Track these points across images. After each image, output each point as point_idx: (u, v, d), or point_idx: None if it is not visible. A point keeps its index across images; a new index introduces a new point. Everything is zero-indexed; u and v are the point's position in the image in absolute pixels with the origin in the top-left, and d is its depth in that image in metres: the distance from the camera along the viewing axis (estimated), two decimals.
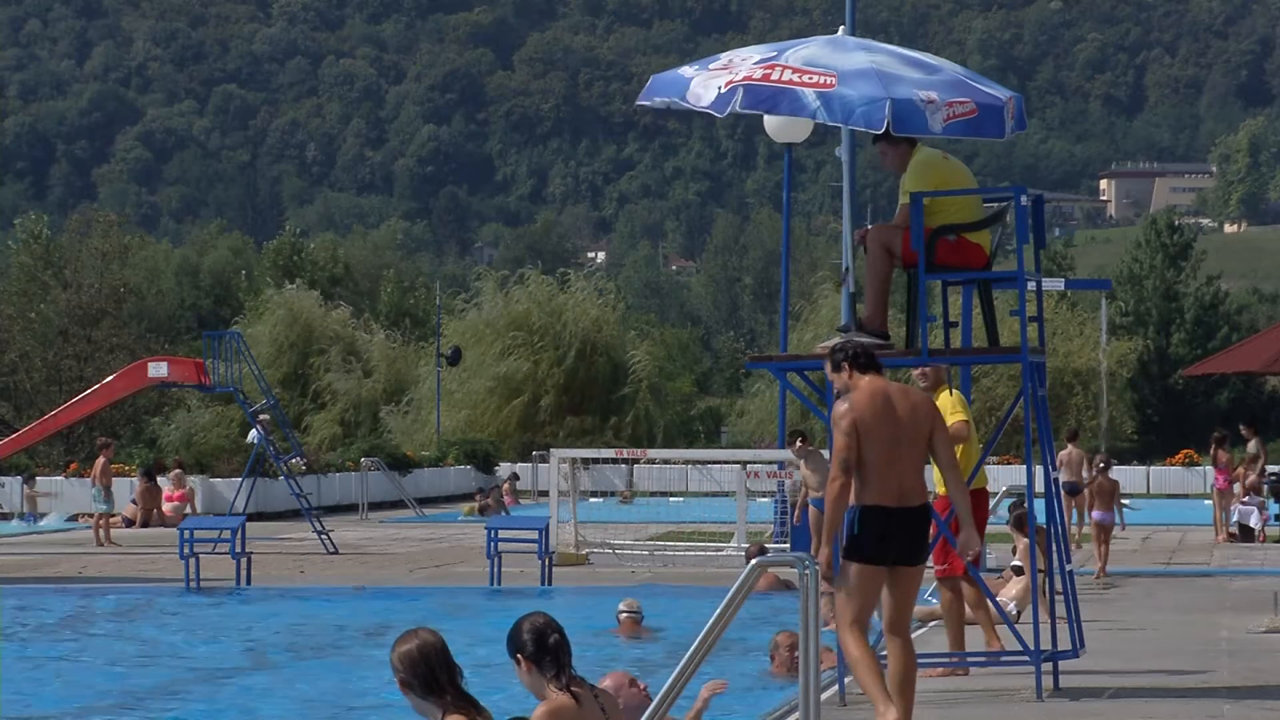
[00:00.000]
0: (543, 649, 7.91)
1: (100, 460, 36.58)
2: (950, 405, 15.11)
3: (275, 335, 69.59)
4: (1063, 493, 31.64)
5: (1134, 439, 69.70)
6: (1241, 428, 35.97)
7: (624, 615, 18.87)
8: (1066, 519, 31.60)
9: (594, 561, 28.53)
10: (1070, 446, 32.64)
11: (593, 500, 42.29)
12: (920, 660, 14.82)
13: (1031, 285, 13.92)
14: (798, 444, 26.61)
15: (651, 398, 67.51)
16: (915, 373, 15.73)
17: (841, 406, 10.88)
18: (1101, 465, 27.80)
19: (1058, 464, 31.91)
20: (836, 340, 13.88)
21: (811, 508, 26.50)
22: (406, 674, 7.62)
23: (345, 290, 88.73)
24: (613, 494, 47.84)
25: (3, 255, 74.03)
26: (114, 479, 37.99)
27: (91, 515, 41.19)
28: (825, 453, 25.44)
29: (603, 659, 15.98)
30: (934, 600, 19.73)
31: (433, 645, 7.66)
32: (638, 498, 47.21)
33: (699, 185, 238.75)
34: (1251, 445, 34.75)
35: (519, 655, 7.97)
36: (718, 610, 9.54)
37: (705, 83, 13.62)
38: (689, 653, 9.50)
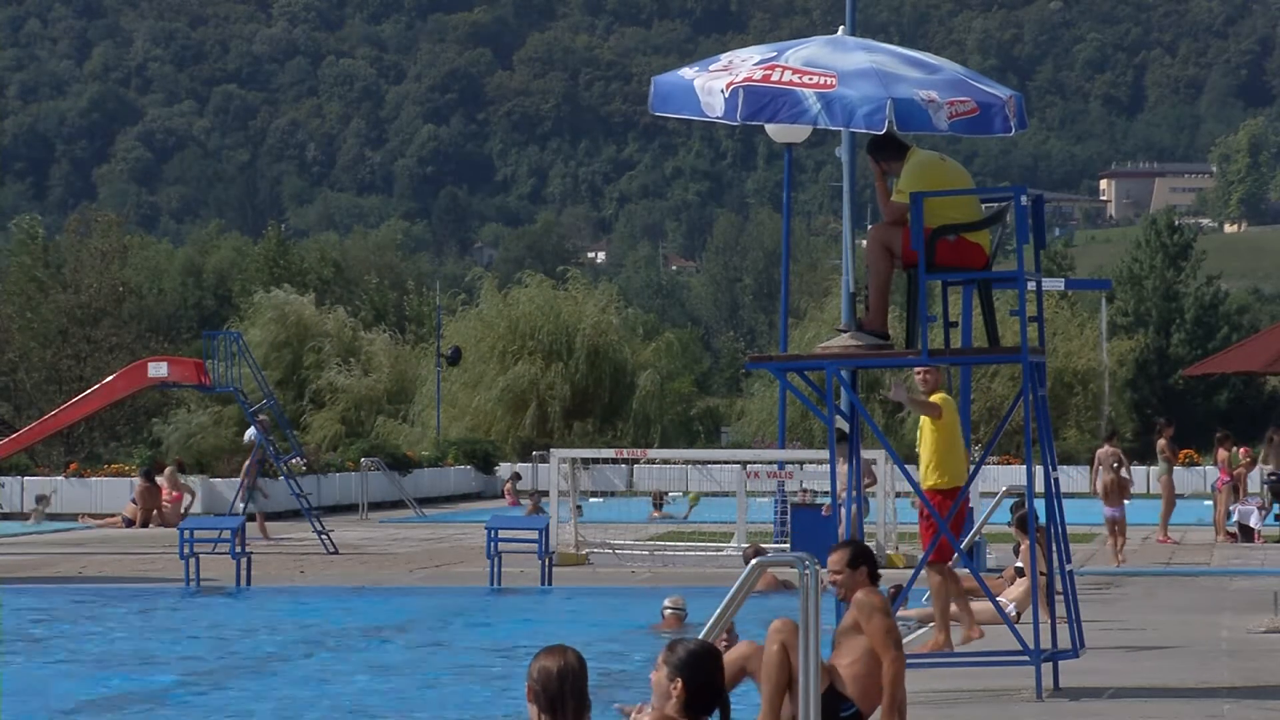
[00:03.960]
0: (699, 693, 7.96)
1: (249, 460, 36.33)
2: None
3: (268, 337, 69.41)
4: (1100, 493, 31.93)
5: (1134, 439, 69.72)
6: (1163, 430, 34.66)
7: (668, 611, 18.97)
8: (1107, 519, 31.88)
9: (594, 562, 28.52)
10: (1107, 446, 32.72)
11: (593, 500, 42.33)
12: (917, 661, 14.84)
13: (1031, 285, 13.91)
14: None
15: (655, 401, 67.49)
16: (916, 377, 15.92)
17: None
18: (1115, 465, 29.47)
19: (1094, 463, 32.27)
20: (836, 340, 13.91)
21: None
22: (538, 686, 7.56)
23: (340, 290, 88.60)
24: (612, 494, 47.80)
25: (4, 255, 73.92)
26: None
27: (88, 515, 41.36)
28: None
29: (649, 656, 15.97)
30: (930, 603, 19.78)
31: (574, 670, 7.59)
32: (639, 497, 47.19)
33: (699, 185, 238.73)
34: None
35: (679, 677, 7.97)
36: (717, 611, 9.53)
37: (708, 87, 13.61)
38: None
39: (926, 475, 15.61)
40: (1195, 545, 32.03)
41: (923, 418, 15.87)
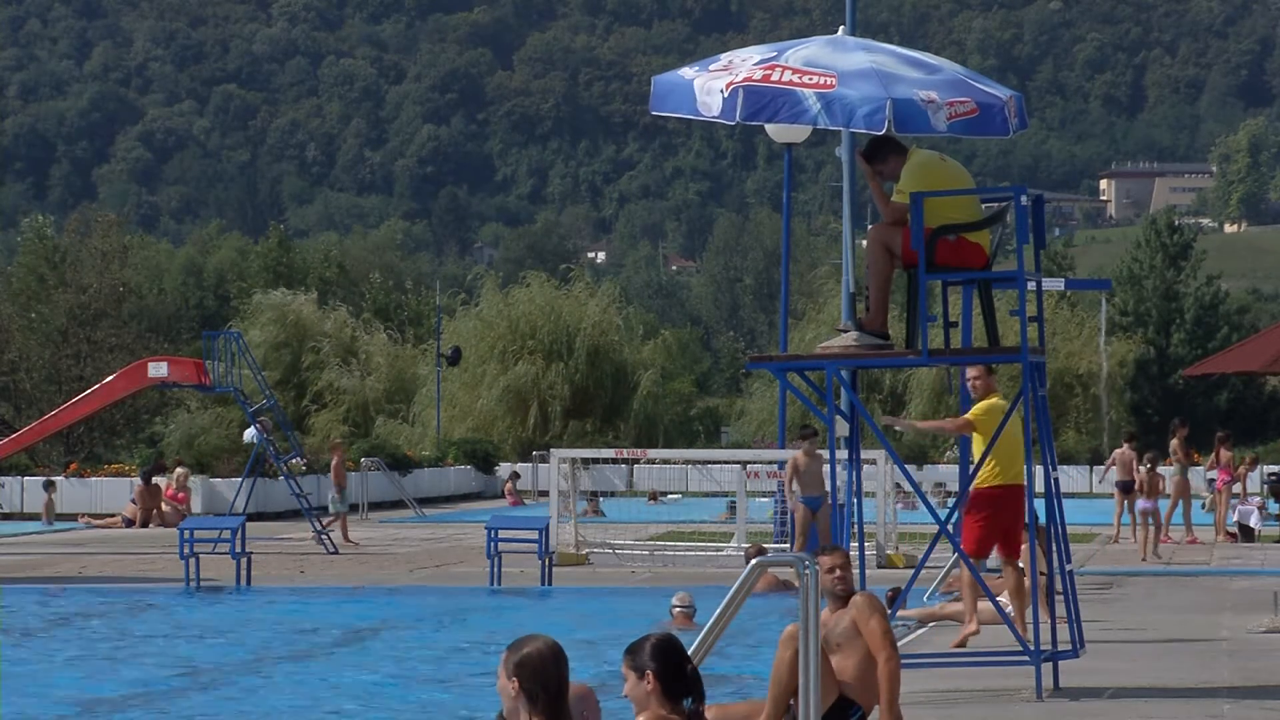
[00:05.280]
0: (680, 677, 7.90)
1: (334, 460, 36.25)
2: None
3: (268, 338, 69.32)
4: (1116, 491, 32.27)
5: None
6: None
7: (677, 609, 18.98)
8: (1118, 517, 32.21)
9: (594, 561, 28.52)
10: (1125, 446, 32.87)
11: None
12: (917, 660, 14.84)
13: (1031, 285, 13.91)
14: (807, 443, 26.51)
15: (655, 402, 67.48)
16: (968, 384, 15.81)
17: None
18: (1149, 464, 30.63)
19: (1112, 463, 32.61)
20: (836, 340, 13.91)
21: (802, 507, 26.46)
22: (531, 684, 7.32)
23: (343, 290, 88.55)
24: (611, 494, 47.85)
25: (4, 255, 73.93)
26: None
27: (101, 518, 41.30)
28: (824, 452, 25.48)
29: None
30: (931, 603, 19.79)
31: (555, 653, 7.45)
32: (639, 497, 47.23)
33: (699, 185, 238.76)
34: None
35: (648, 670, 7.90)
36: (717, 611, 9.54)
37: (708, 87, 13.61)
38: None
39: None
40: (1195, 545, 32.03)
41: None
